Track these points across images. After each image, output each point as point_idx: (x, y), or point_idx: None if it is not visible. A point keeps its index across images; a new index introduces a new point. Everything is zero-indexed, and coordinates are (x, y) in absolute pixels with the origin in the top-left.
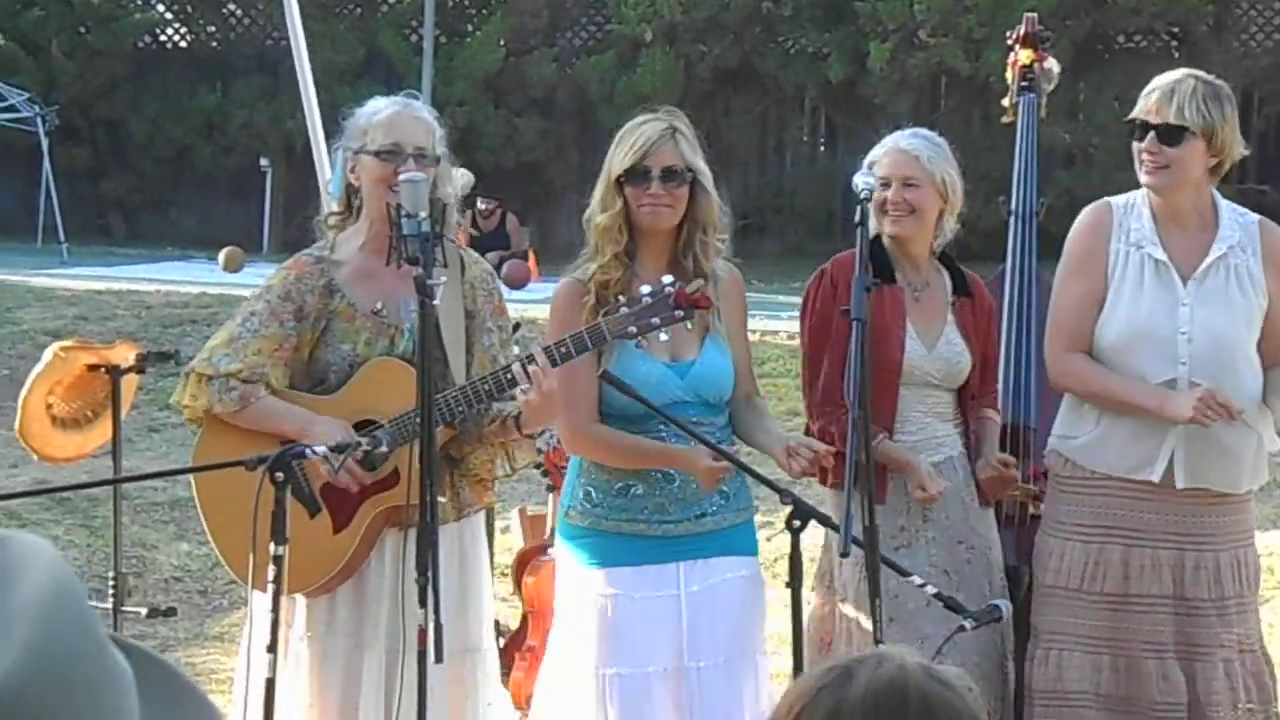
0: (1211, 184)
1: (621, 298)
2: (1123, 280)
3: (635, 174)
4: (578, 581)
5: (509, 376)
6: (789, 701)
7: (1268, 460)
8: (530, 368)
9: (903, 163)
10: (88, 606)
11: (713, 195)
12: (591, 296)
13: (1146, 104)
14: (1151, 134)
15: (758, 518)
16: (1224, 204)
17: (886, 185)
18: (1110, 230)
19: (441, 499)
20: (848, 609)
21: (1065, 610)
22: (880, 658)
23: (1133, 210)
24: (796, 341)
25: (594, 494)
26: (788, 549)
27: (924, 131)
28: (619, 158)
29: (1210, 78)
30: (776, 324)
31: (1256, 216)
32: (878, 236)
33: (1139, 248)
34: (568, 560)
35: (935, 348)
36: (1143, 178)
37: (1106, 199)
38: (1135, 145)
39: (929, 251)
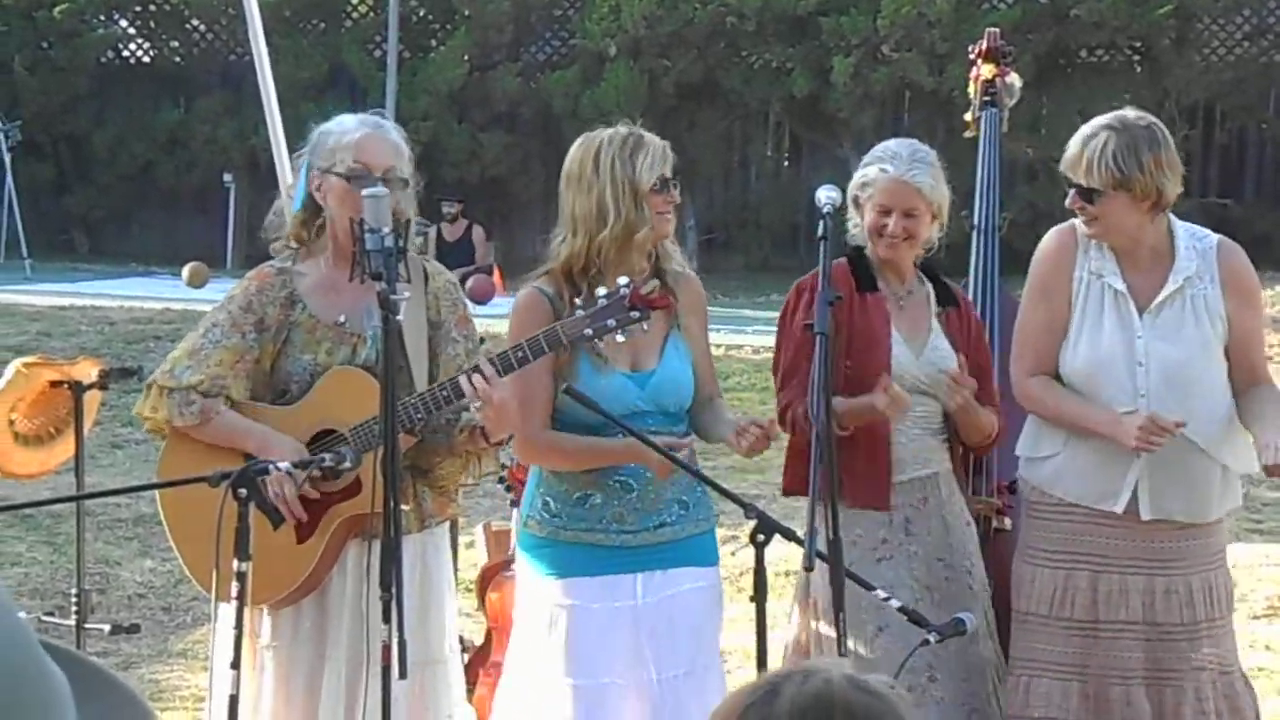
0: (1159, 216)
1: (577, 300)
2: (1085, 308)
3: (665, 183)
4: (537, 591)
5: (457, 389)
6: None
7: (1238, 485)
8: (475, 378)
9: (906, 194)
10: (20, 622)
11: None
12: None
13: (1067, 157)
14: (1073, 190)
15: (723, 532)
16: (1181, 230)
17: (885, 213)
18: (1074, 256)
19: (405, 507)
20: (823, 625)
21: (1037, 637)
22: (806, 672)
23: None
24: (761, 356)
25: (552, 504)
26: (753, 563)
27: (920, 152)
28: (644, 170)
29: (1132, 120)
30: (741, 338)
31: (1216, 239)
32: (860, 246)
33: (1100, 277)
34: (526, 570)
35: (923, 354)
36: (1080, 228)
37: (1073, 222)
38: None
39: (912, 262)
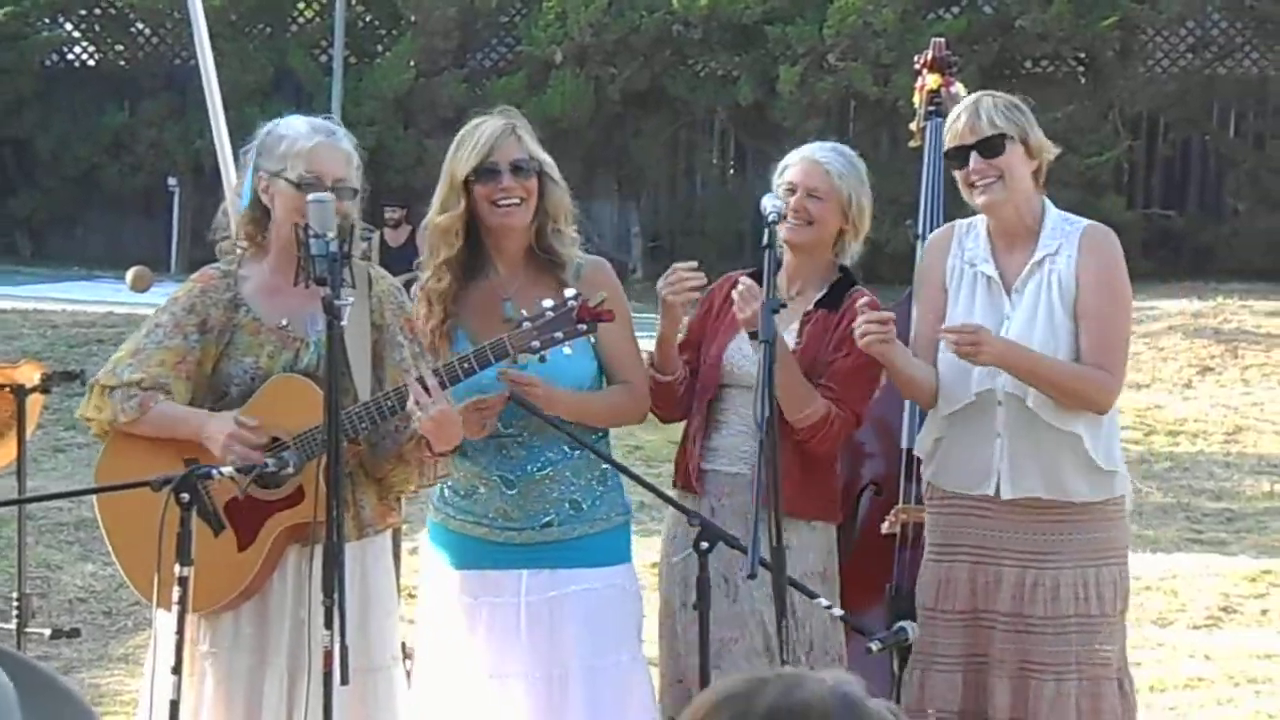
0: (1040, 192)
1: (524, 312)
2: (957, 295)
3: (483, 172)
4: (431, 578)
5: (402, 399)
6: (694, 711)
7: (1113, 475)
8: (415, 389)
9: (812, 173)
10: None
11: (561, 185)
12: (424, 306)
13: (955, 129)
14: (973, 153)
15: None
16: (1053, 215)
17: (793, 191)
18: (949, 247)
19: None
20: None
21: (927, 630)
22: (799, 679)
23: (971, 230)
24: None
25: (447, 492)
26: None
27: (844, 149)
28: (462, 159)
29: (999, 94)
30: None
31: (1087, 223)
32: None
33: (972, 265)
34: (425, 556)
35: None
36: (979, 200)
37: (953, 221)
38: (959, 174)
39: (825, 268)
